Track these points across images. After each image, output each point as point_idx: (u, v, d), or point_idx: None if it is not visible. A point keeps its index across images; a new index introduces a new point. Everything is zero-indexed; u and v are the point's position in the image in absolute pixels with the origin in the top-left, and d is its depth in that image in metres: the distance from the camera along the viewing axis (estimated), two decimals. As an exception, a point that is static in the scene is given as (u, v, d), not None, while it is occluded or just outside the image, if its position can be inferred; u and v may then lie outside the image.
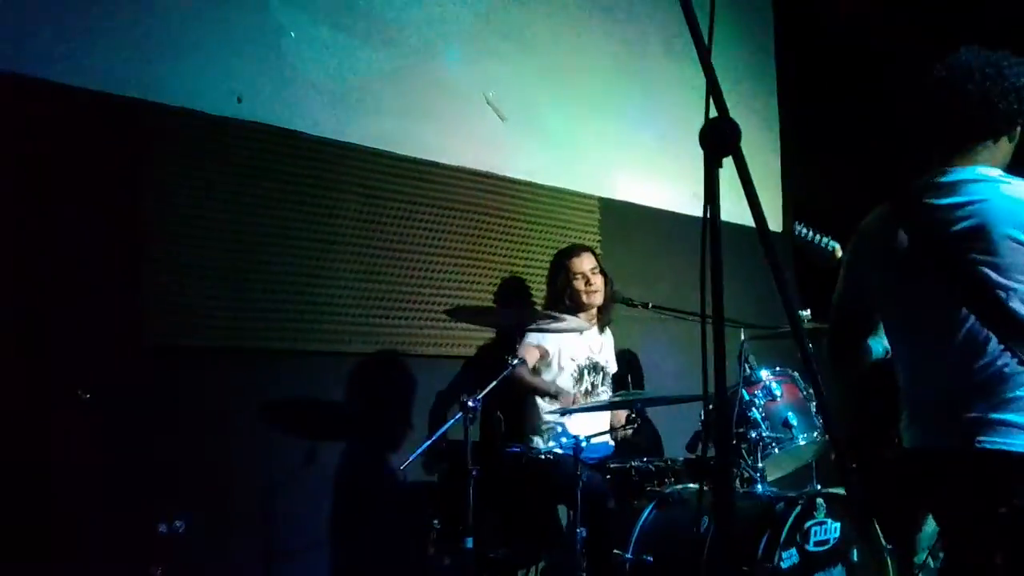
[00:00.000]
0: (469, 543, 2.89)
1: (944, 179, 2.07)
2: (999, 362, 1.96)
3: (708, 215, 1.57)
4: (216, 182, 3.44)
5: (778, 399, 3.33)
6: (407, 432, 3.77)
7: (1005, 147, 2.09)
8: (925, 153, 2.14)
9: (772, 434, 3.25)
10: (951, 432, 2.03)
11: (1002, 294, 1.95)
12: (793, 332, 1.54)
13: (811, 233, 3.23)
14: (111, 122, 3.19)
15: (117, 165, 3.20)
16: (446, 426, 3.01)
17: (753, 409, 3.29)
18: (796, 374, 3.45)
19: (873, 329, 2.29)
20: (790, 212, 5.45)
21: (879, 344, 2.30)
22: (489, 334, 4.12)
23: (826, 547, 3.00)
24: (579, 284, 3.82)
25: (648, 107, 4.94)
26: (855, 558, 3.05)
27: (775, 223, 5.37)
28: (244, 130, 3.52)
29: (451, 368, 4.02)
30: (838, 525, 3.03)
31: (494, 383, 3.00)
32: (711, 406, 3.42)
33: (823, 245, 3.35)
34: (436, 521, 3.14)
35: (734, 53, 5.43)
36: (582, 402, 3.75)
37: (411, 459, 2.94)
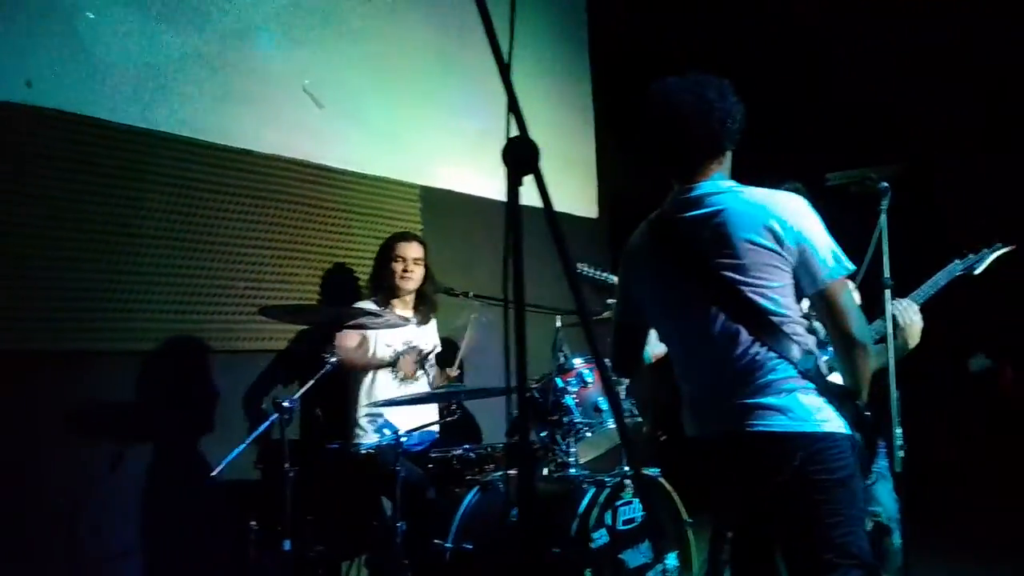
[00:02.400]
0: (287, 545, 2.86)
1: (691, 195, 2.28)
2: (751, 351, 2.18)
3: (511, 232, 1.63)
4: (6, 172, 3.20)
5: (590, 385, 3.47)
6: (223, 431, 3.66)
7: (729, 158, 2.33)
8: (668, 171, 2.34)
9: (584, 419, 3.39)
10: (721, 419, 2.24)
11: (745, 291, 2.17)
12: (579, 316, 1.65)
13: (592, 270, 3.47)
14: None
15: None
16: (260, 429, 2.96)
17: (567, 396, 3.42)
18: (607, 361, 3.60)
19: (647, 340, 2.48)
20: (606, 200, 5.67)
21: (646, 352, 2.49)
22: (304, 326, 4.03)
23: (633, 525, 3.18)
24: (397, 266, 3.89)
25: (469, 96, 4.96)
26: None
27: (590, 211, 5.59)
28: (36, 116, 3.30)
29: (268, 363, 3.93)
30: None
31: (312, 382, 2.97)
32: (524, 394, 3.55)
33: (603, 279, 3.58)
34: (254, 523, 3.07)
35: (549, 47, 5.56)
36: (413, 364, 3.76)
37: (223, 464, 2.86)
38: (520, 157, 1.63)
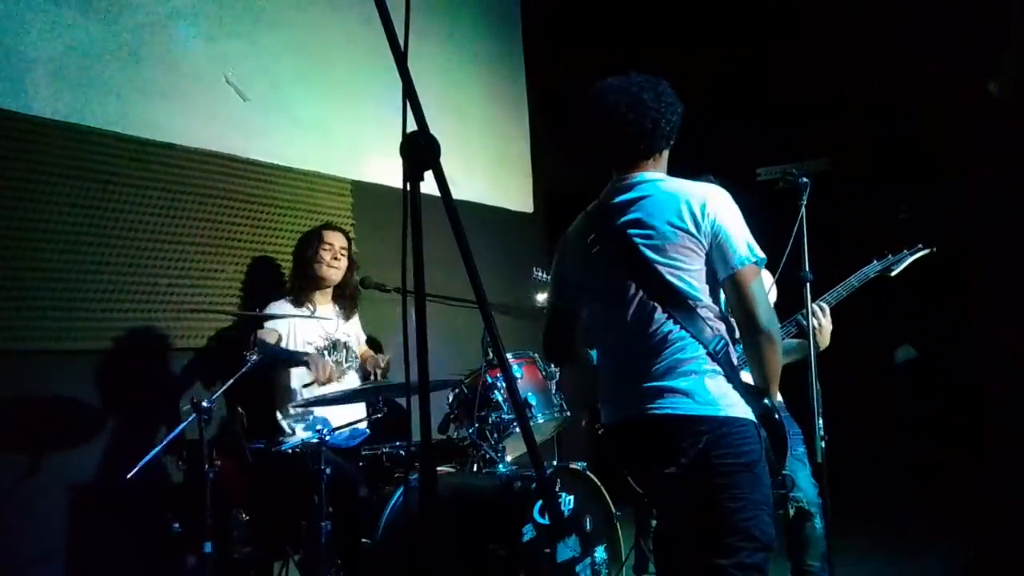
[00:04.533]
0: (208, 547, 2.80)
1: (622, 183, 2.39)
2: (664, 328, 2.25)
3: (409, 231, 1.61)
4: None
5: (519, 380, 3.46)
6: (143, 432, 3.57)
7: (665, 157, 2.44)
8: (607, 163, 2.45)
9: (513, 415, 3.37)
10: (629, 403, 2.29)
11: (662, 270, 2.25)
12: (481, 311, 1.64)
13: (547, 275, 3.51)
14: None
15: None
16: (177, 430, 2.90)
17: (495, 391, 3.40)
18: (537, 355, 3.61)
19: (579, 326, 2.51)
20: (541, 195, 5.65)
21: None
22: (226, 323, 3.95)
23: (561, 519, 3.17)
24: (325, 255, 3.82)
25: (400, 87, 4.87)
26: (588, 527, 3.26)
27: (526, 205, 5.57)
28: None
29: (190, 361, 3.83)
30: (572, 497, 3.22)
31: (231, 381, 2.92)
32: (456, 389, 3.54)
33: (544, 280, 3.61)
34: (176, 524, 3.01)
35: (483, 41, 5.52)
36: (332, 368, 3.71)
37: (138, 467, 2.79)
38: (418, 153, 1.61)
